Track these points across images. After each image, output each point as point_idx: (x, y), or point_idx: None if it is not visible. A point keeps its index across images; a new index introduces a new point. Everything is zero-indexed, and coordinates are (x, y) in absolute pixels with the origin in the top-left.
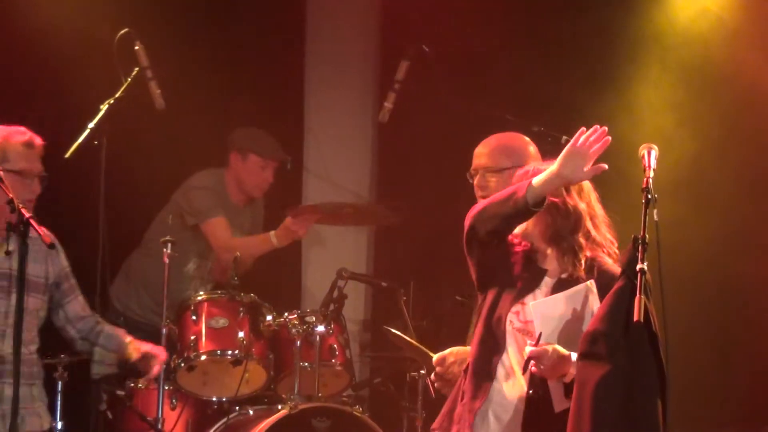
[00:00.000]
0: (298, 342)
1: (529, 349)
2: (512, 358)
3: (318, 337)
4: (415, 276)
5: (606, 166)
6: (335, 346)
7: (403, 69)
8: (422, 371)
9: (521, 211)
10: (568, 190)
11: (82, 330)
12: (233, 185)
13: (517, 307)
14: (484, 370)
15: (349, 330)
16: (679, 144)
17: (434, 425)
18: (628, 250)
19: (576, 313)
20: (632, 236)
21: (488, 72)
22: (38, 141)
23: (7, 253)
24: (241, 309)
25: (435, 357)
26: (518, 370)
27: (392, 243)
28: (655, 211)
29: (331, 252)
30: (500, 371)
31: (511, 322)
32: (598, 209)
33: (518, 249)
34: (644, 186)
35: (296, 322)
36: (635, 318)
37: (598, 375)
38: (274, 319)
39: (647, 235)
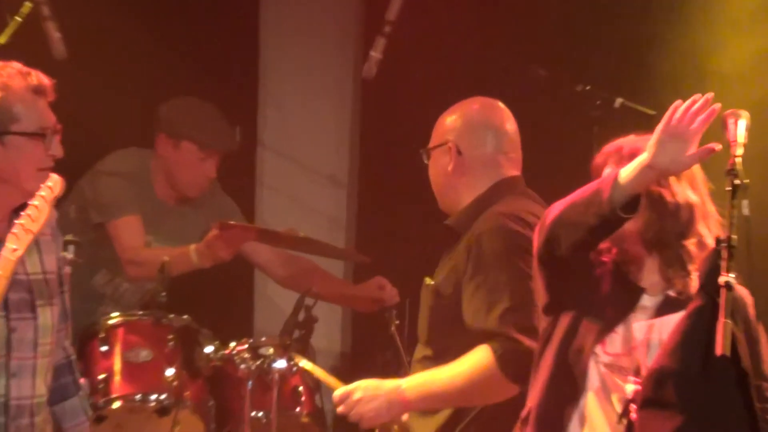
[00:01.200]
0: (250, 383)
1: (632, 388)
2: (592, 405)
3: (276, 375)
4: (411, 293)
5: (719, 146)
6: (300, 388)
7: (397, 5)
8: None
9: (607, 218)
10: (676, 179)
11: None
12: (160, 176)
13: (605, 337)
14: (553, 422)
15: (321, 365)
16: None
17: None
18: (708, 256)
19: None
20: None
21: (514, 9)
22: (46, 80)
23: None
24: (171, 337)
25: (336, 392)
26: (602, 421)
27: (379, 249)
28: (745, 202)
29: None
30: (575, 423)
31: (597, 356)
32: (710, 206)
33: (605, 258)
34: (729, 168)
35: (246, 355)
36: (718, 351)
37: (667, 430)
38: (215, 350)
39: (734, 236)
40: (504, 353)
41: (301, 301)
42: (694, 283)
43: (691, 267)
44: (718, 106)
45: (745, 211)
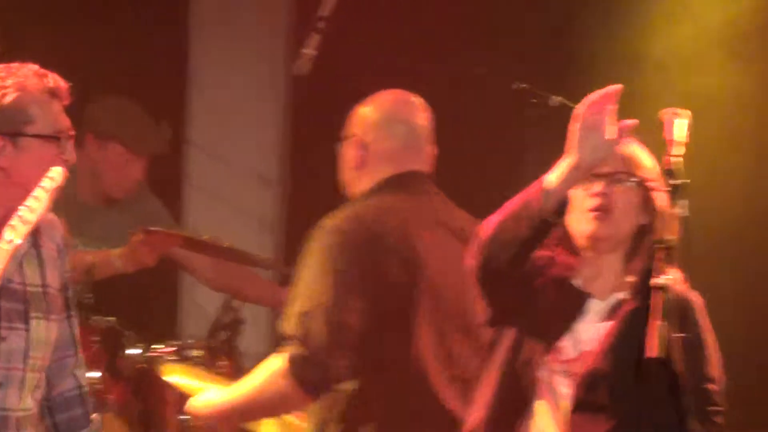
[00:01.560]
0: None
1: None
2: (543, 414)
3: None
4: None
5: (634, 121)
6: None
7: (330, 1)
8: None
9: (540, 228)
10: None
11: (54, 389)
12: (85, 177)
13: (554, 346)
14: None
15: (248, 368)
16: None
17: None
18: (643, 257)
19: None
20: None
21: (451, 5)
22: (62, 83)
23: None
24: (95, 339)
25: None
26: (554, 430)
27: None
28: (684, 202)
29: None
30: None
31: (547, 365)
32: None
33: (541, 263)
34: (666, 167)
35: (172, 357)
36: (650, 353)
37: None
38: (141, 352)
39: (670, 237)
40: (293, 357)
41: (227, 303)
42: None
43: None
44: (618, 87)
45: (685, 212)
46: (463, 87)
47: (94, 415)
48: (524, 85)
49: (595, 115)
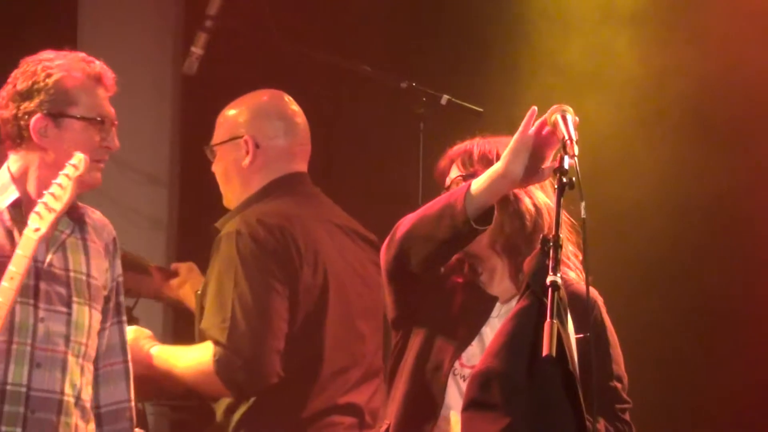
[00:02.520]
0: None
1: None
2: (454, 420)
3: None
4: None
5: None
6: None
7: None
8: None
9: (462, 231)
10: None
11: (103, 396)
12: None
13: (461, 352)
14: None
15: None
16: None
17: None
18: (534, 255)
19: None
20: (540, 236)
21: (339, 4)
22: (109, 72)
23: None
24: None
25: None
26: None
27: (202, 249)
28: (582, 204)
29: None
30: None
31: (455, 370)
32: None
33: (451, 265)
34: (557, 165)
35: None
36: (544, 351)
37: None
38: None
39: (561, 235)
40: (220, 359)
41: None
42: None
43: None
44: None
45: (583, 213)
46: (353, 86)
47: (137, 430)
48: (413, 84)
49: (533, 135)
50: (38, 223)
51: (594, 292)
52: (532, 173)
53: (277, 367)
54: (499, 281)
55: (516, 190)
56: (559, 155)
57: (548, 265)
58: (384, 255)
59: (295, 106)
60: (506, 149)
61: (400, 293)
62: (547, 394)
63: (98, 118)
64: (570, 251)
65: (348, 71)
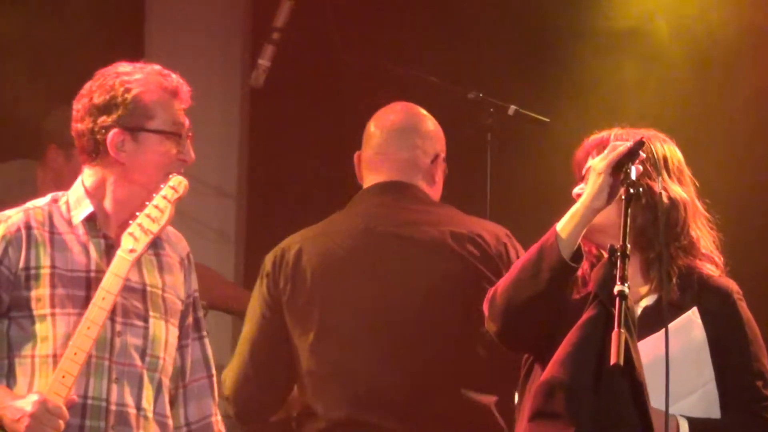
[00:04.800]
0: None
1: None
2: None
3: None
4: None
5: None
6: None
7: (285, 11)
8: None
9: (561, 273)
10: (659, 170)
11: (192, 413)
12: (50, 189)
13: None
14: None
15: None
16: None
17: None
18: (602, 265)
19: (678, 359)
20: (608, 245)
21: (404, 15)
22: (185, 85)
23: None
24: None
25: None
26: None
27: None
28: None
29: None
30: None
31: None
32: (699, 204)
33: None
34: (622, 176)
35: None
36: (612, 361)
37: None
38: None
39: (628, 245)
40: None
41: None
42: (675, 289)
43: (676, 268)
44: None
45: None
46: (421, 98)
47: None
48: (481, 95)
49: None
50: (133, 244)
51: (730, 284)
52: (614, 192)
53: (259, 402)
54: (630, 277)
55: (651, 182)
56: (626, 168)
57: (616, 275)
58: (489, 327)
59: (393, 115)
60: (588, 188)
61: (518, 350)
62: (613, 404)
63: (175, 132)
64: (708, 247)
65: (415, 82)
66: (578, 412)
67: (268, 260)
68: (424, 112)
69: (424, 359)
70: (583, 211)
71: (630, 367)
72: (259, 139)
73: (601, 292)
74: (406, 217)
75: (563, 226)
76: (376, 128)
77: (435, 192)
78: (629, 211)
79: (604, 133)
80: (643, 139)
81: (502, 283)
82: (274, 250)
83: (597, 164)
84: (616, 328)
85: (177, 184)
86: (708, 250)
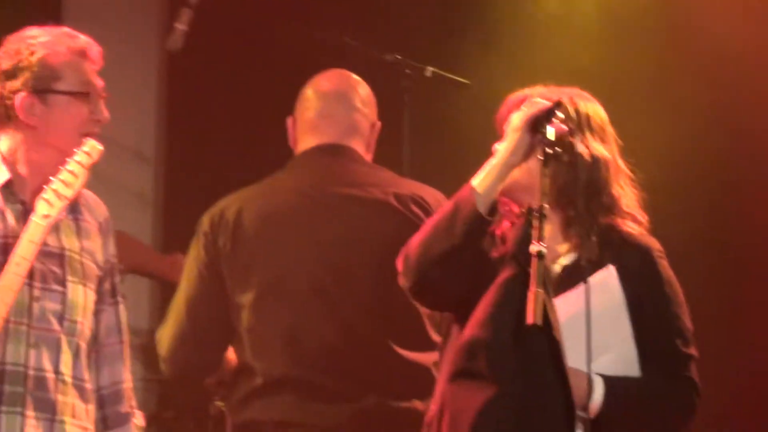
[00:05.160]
0: None
1: None
2: None
3: None
4: None
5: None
6: None
7: None
8: None
9: (476, 227)
10: (582, 128)
11: (104, 378)
12: None
13: None
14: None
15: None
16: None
17: None
18: (520, 224)
19: (596, 317)
20: (523, 208)
21: None
22: (95, 46)
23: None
24: None
25: None
26: None
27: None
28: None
29: None
30: None
31: None
32: (622, 162)
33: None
34: (540, 137)
35: None
36: (529, 320)
37: (478, 402)
38: None
39: (546, 205)
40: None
41: None
42: (595, 246)
43: (595, 226)
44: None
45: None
46: (338, 60)
47: (137, 412)
48: (398, 56)
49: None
50: (47, 209)
51: (651, 242)
52: (531, 150)
53: (194, 362)
54: (551, 236)
55: (574, 140)
56: (543, 127)
57: (532, 234)
58: (404, 283)
59: (332, 81)
60: (505, 143)
61: (435, 307)
62: (532, 363)
63: (84, 91)
64: (630, 205)
65: (332, 45)
66: (500, 372)
67: (206, 220)
68: (358, 78)
69: (367, 320)
70: (499, 167)
71: (547, 327)
72: (177, 103)
73: (518, 252)
74: (352, 178)
75: (479, 181)
76: (315, 93)
77: (368, 159)
78: (546, 171)
79: (527, 91)
80: (561, 100)
81: (416, 239)
82: (211, 209)
83: (514, 120)
84: (532, 288)
85: (91, 149)
86: (630, 209)
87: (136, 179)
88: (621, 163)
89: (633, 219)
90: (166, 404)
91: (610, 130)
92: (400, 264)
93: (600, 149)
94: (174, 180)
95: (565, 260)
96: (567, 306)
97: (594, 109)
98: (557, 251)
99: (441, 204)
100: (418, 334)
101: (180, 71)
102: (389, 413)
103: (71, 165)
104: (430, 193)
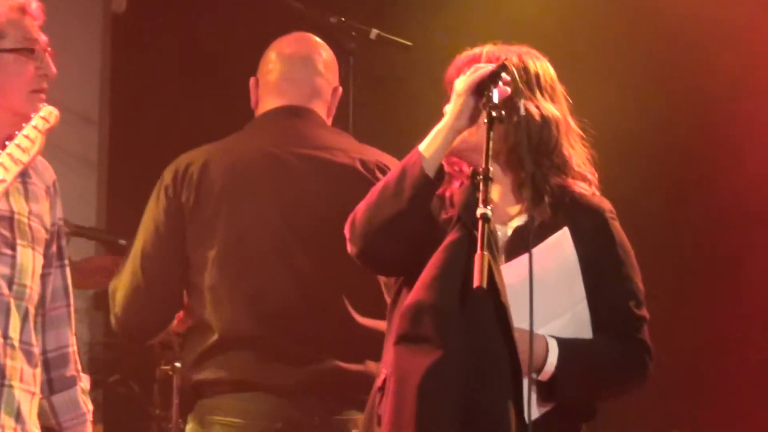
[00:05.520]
0: None
1: None
2: None
3: None
4: None
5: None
6: None
7: None
8: (177, 364)
9: (424, 190)
10: (531, 86)
11: (50, 341)
12: None
13: None
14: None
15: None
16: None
17: None
18: (466, 188)
19: (550, 279)
20: (470, 170)
21: None
22: (35, 2)
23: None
24: None
25: None
26: None
27: (134, 185)
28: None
29: None
30: None
31: None
32: (572, 122)
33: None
34: (485, 100)
35: None
36: (475, 284)
37: (423, 365)
38: None
39: (491, 168)
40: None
41: None
42: (547, 207)
43: (548, 186)
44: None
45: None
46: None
47: (83, 375)
48: (342, 19)
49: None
50: (3, 174)
51: (603, 203)
52: (476, 114)
53: (147, 318)
54: (502, 197)
55: (522, 100)
56: (488, 91)
57: (478, 198)
58: (351, 250)
59: (296, 44)
60: (450, 108)
61: (383, 273)
62: (479, 326)
63: (29, 48)
64: (581, 165)
65: (276, 6)
66: (446, 335)
67: (168, 174)
68: (321, 41)
69: (326, 284)
70: (445, 132)
71: (493, 290)
72: (121, 65)
73: (464, 215)
74: (317, 141)
75: (426, 145)
76: (278, 55)
77: (329, 123)
78: (491, 134)
79: (476, 50)
80: (506, 62)
81: (363, 204)
82: (175, 163)
83: (458, 85)
84: (479, 251)
85: (48, 114)
86: (581, 168)
87: (81, 142)
88: (571, 121)
89: (584, 179)
90: (111, 368)
91: (559, 88)
92: (347, 230)
93: (550, 108)
94: (119, 142)
95: (517, 222)
96: (520, 269)
97: (543, 67)
98: (509, 213)
99: None
100: (375, 301)
101: (124, 33)
102: (345, 376)
103: (27, 130)
104: (391, 161)
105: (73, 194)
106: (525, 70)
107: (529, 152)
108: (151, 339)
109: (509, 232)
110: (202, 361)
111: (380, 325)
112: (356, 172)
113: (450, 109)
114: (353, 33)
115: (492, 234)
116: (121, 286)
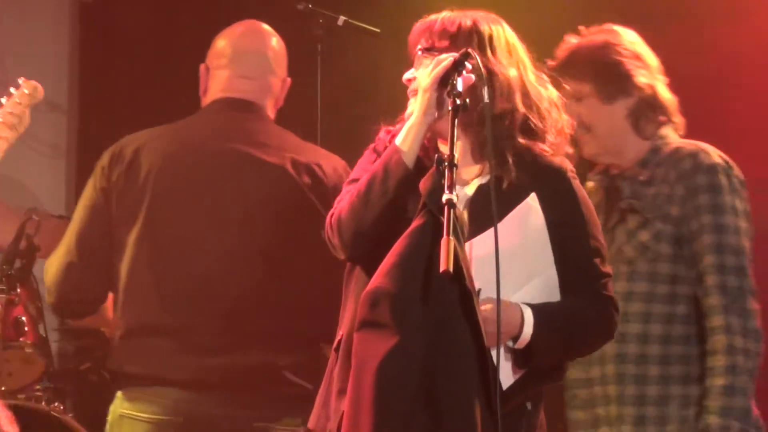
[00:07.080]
0: None
1: None
2: None
3: None
4: None
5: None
6: (23, 318)
7: None
8: None
9: (409, 186)
10: (484, 49)
11: None
12: None
13: None
14: None
15: (44, 296)
16: None
17: (310, 423)
18: (431, 174)
19: (520, 247)
20: (435, 156)
21: None
22: None
23: None
24: None
25: None
26: None
27: None
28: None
29: (16, 186)
30: None
31: None
32: (537, 81)
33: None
34: (449, 89)
35: None
36: (442, 268)
37: (382, 351)
38: None
39: (456, 154)
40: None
41: (21, 228)
42: (512, 169)
43: (510, 148)
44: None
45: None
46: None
47: None
48: (309, 5)
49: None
50: None
51: (564, 162)
52: (443, 104)
53: (79, 292)
54: (461, 157)
55: (488, 65)
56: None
57: (444, 184)
58: (342, 254)
59: (245, 34)
60: (418, 104)
61: (361, 257)
62: (442, 312)
63: None
64: (540, 126)
65: None
66: (403, 322)
67: (106, 154)
68: (272, 31)
69: (243, 285)
70: (417, 127)
71: (459, 275)
72: (90, 53)
73: (429, 201)
74: (254, 138)
75: (402, 141)
76: (227, 45)
77: (273, 114)
78: (455, 122)
79: (433, 16)
80: (468, 50)
81: (347, 209)
82: (116, 144)
83: (423, 81)
84: (445, 236)
85: (32, 89)
86: (539, 129)
87: (50, 130)
88: (532, 81)
89: (544, 139)
90: (83, 356)
91: (518, 49)
92: (332, 236)
93: (513, 72)
94: (88, 130)
95: (479, 181)
96: (489, 241)
97: (498, 30)
98: (470, 173)
99: (338, 173)
100: (297, 305)
101: (93, 20)
102: (259, 369)
103: (10, 106)
104: (330, 162)
105: (43, 182)
106: (477, 32)
107: (489, 113)
108: (83, 316)
109: (472, 191)
110: (114, 350)
111: (300, 316)
112: (284, 173)
113: (417, 107)
114: (321, 20)
115: (457, 220)
116: (56, 261)
